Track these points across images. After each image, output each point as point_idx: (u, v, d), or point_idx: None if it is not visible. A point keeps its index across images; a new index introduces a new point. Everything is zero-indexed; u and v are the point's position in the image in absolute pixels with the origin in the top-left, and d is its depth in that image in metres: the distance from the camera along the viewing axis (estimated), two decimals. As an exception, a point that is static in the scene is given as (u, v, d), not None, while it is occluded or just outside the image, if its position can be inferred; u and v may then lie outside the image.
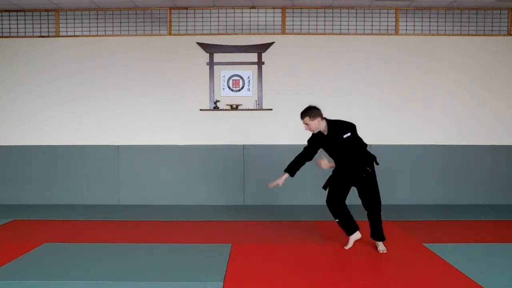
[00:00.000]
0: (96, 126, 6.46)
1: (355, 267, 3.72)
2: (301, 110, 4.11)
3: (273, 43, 6.37)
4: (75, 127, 6.47)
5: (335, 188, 4.18)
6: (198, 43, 6.37)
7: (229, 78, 6.41)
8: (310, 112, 4.06)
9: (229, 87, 6.41)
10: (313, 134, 4.20)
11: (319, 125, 4.08)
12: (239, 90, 6.41)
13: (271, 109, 6.40)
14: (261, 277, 3.50)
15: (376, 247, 4.14)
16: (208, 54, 6.39)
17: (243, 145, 6.43)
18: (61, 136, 6.47)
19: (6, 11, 6.41)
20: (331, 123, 4.10)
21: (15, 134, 6.49)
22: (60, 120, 6.47)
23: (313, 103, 4.21)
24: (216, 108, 6.36)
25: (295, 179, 6.42)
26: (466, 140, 6.44)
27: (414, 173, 6.42)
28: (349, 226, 4.20)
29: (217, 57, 6.39)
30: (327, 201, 4.22)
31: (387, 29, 6.41)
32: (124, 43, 6.42)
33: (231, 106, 6.32)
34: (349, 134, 4.02)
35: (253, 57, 6.40)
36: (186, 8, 6.39)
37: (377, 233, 4.12)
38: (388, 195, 6.42)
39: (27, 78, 6.46)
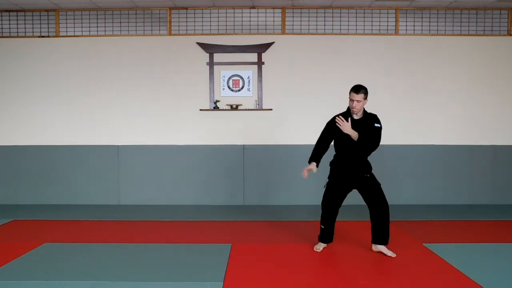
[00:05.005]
0: (96, 126, 6.46)
1: (355, 267, 3.72)
2: (356, 85, 3.90)
3: (273, 43, 6.37)
4: (75, 127, 6.47)
5: (336, 191, 4.06)
6: (198, 43, 6.37)
7: (229, 78, 6.41)
8: (366, 90, 3.90)
9: (229, 87, 6.41)
10: (336, 117, 3.95)
11: (362, 107, 3.94)
12: (239, 90, 6.41)
13: (271, 109, 6.40)
14: (261, 277, 3.50)
15: (383, 253, 4.00)
16: (208, 54, 6.39)
17: (243, 145, 6.43)
18: (61, 136, 6.47)
19: (6, 11, 6.41)
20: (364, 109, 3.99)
21: (15, 134, 6.48)
22: (60, 120, 6.47)
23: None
24: (216, 108, 6.36)
25: (295, 179, 6.44)
26: (466, 140, 6.44)
27: (414, 173, 6.42)
28: (329, 235, 4.17)
29: (217, 57, 6.39)
30: (324, 203, 4.13)
31: (387, 29, 6.41)
32: (124, 43, 6.42)
33: (231, 106, 6.32)
34: (379, 125, 3.93)
35: (253, 57, 6.40)
36: (186, 8, 6.39)
37: (383, 236, 3.96)
38: (388, 195, 6.42)
39: (27, 78, 6.46)
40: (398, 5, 6.29)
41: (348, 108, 4.05)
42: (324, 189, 4.15)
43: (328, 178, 4.13)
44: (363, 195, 4.02)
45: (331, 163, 4.13)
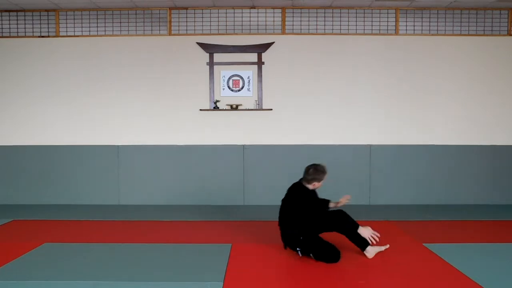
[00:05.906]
0: (96, 126, 6.46)
1: (354, 267, 3.72)
2: (322, 170, 4.07)
3: (273, 43, 6.37)
4: (75, 127, 6.47)
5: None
6: (198, 43, 6.37)
7: (229, 78, 6.41)
8: None
9: (229, 87, 6.41)
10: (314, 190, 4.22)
11: None
12: (239, 90, 6.41)
13: (271, 109, 6.40)
14: (261, 277, 3.50)
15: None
16: (208, 54, 6.39)
17: (243, 145, 6.43)
18: (61, 136, 6.47)
19: (6, 11, 6.41)
20: None
21: (15, 134, 6.48)
22: (60, 120, 6.47)
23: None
24: (216, 108, 6.36)
25: (295, 179, 6.43)
26: (466, 140, 6.44)
27: (414, 173, 6.42)
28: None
29: (217, 57, 6.39)
30: (336, 257, 3.87)
31: (387, 29, 6.41)
32: (124, 43, 6.42)
33: (231, 106, 6.32)
34: None
35: (253, 57, 6.40)
36: (186, 8, 6.38)
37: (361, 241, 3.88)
38: (389, 195, 6.44)
39: (27, 78, 6.46)
40: (398, 5, 6.29)
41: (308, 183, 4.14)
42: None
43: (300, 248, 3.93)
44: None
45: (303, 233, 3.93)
